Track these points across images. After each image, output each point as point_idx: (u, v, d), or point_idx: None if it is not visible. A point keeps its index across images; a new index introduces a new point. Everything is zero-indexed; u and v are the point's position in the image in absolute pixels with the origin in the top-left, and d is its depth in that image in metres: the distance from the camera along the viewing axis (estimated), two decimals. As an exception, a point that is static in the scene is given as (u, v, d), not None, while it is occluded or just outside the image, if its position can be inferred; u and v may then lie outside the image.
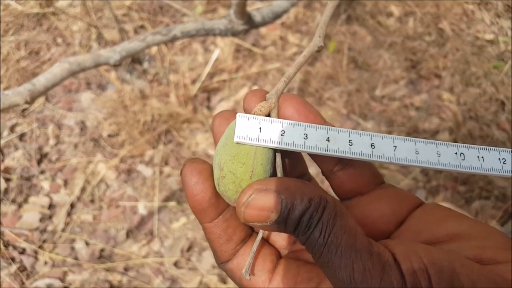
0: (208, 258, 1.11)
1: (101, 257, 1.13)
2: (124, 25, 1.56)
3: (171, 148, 1.29)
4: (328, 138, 0.26)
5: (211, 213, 0.26)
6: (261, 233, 0.26)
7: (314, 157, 0.28)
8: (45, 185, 1.26)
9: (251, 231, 0.27)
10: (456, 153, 0.26)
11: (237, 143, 0.25)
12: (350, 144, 0.26)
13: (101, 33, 1.46)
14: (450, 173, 1.22)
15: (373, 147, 0.26)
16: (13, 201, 1.25)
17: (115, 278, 1.09)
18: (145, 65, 1.50)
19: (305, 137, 0.25)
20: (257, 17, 0.77)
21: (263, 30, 1.50)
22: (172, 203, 1.20)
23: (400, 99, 1.39)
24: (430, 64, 1.45)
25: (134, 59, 1.51)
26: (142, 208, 1.19)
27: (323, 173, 0.29)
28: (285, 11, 0.83)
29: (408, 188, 1.20)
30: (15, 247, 1.17)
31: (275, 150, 0.26)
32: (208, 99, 1.40)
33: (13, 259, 1.15)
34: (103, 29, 1.55)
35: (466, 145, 0.26)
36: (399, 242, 0.22)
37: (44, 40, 1.60)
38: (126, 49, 0.72)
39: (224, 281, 1.08)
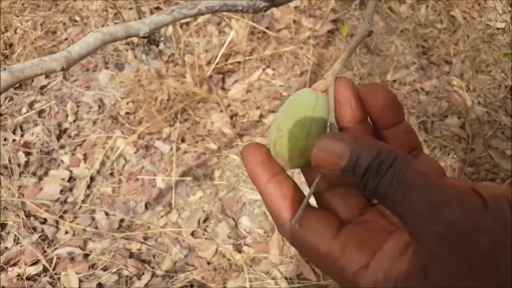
0: (223, 229, 1.16)
1: (121, 227, 1.18)
2: (140, 6, 1.59)
3: (187, 126, 1.33)
4: None
5: (265, 172, 0.28)
6: (313, 187, 0.27)
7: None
8: (65, 159, 1.30)
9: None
10: None
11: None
12: None
13: (119, 12, 1.49)
14: (458, 155, 1.26)
15: None
16: (34, 174, 1.29)
17: (134, 246, 1.14)
18: (161, 46, 1.53)
19: None
20: (280, -5, 0.80)
21: (277, 13, 1.53)
22: (188, 178, 1.24)
23: (410, 84, 1.42)
24: (441, 51, 1.48)
25: (150, 40, 1.54)
26: (160, 182, 1.23)
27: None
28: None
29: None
30: (36, 217, 1.22)
31: (327, 120, 0.29)
32: (223, 80, 1.44)
33: (34, 229, 1.19)
34: (120, 10, 1.58)
35: None
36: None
37: (61, 20, 1.64)
38: (154, 21, 0.76)
39: (239, 251, 1.12)
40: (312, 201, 0.28)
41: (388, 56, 1.48)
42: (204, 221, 1.18)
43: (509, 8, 1.57)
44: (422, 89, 1.40)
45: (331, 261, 0.25)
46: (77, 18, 1.61)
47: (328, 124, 0.29)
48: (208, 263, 1.11)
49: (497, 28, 1.53)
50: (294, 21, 1.55)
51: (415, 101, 1.38)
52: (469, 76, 1.42)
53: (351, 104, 0.29)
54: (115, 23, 1.60)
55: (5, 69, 0.29)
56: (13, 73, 0.30)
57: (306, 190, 0.28)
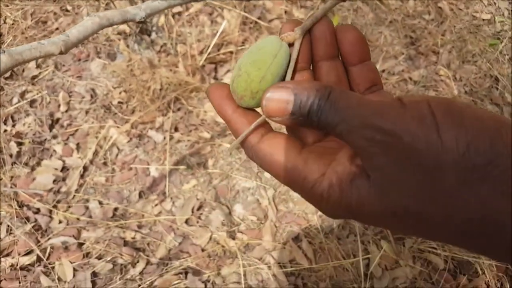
0: (217, 217, 1.17)
1: (115, 216, 1.19)
2: (131, -3, 1.59)
3: (180, 115, 1.34)
4: None
5: (231, 104, 0.31)
6: (254, 125, 0.30)
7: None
8: (58, 149, 1.31)
9: (270, 125, 0.32)
10: None
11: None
12: None
13: (111, 1, 1.48)
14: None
15: None
16: (26, 164, 1.29)
17: (128, 235, 1.15)
18: (153, 36, 1.54)
19: None
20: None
21: (269, 4, 1.54)
22: (182, 167, 1.25)
23: (399, 74, 1.45)
24: (429, 41, 1.51)
25: (142, 30, 1.54)
26: (153, 171, 1.24)
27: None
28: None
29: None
30: (29, 207, 1.22)
31: (287, 69, 0.32)
32: (215, 69, 1.45)
33: (27, 219, 1.20)
34: None
35: None
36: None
37: (52, 10, 1.62)
38: (150, 7, 0.77)
39: (232, 238, 1.14)
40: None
41: (377, 46, 1.50)
42: (198, 209, 1.19)
43: (494, 0, 1.60)
44: (410, 78, 1.43)
45: (296, 173, 0.28)
46: (69, 8, 1.60)
47: (286, 74, 0.31)
48: (203, 250, 1.13)
49: (483, 19, 1.56)
50: (285, 12, 1.56)
51: (404, 90, 1.41)
52: (456, 66, 1.46)
53: (326, 39, 0.32)
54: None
55: (4, 52, 0.29)
56: (12, 56, 0.31)
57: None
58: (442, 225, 0.23)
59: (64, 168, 1.28)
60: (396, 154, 0.23)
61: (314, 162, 0.28)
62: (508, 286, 1.09)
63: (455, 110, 0.23)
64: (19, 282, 1.09)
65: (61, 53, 0.55)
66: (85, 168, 1.27)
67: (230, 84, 0.31)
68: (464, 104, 0.24)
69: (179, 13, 1.55)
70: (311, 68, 0.33)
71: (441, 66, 1.46)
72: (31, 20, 1.61)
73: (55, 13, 1.60)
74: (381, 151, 0.24)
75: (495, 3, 1.60)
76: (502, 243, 0.22)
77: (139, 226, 1.17)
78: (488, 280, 1.10)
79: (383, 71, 1.46)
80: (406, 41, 1.53)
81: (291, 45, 0.32)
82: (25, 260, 1.13)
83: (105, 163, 1.28)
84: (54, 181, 1.25)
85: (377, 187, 0.24)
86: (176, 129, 1.32)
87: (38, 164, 1.29)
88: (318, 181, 0.27)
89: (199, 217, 1.18)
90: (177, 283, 1.09)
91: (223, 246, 1.13)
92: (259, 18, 1.53)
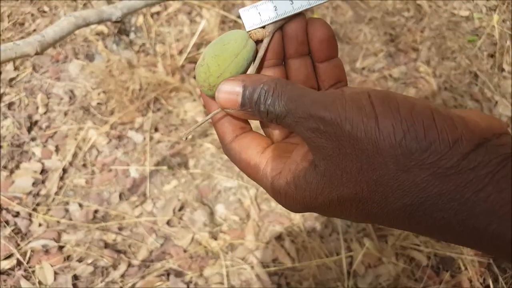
0: (199, 217, 1.17)
1: (95, 218, 1.17)
2: (110, -4, 1.57)
3: (160, 115, 1.33)
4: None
5: (216, 104, 0.32)
6: (208, 117, 0.32)
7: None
8: (37, 151, 1.29)
9: (250, 126, 0.33)
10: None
11: (249, 32, 0.32)
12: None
13: (89, 2, 1.47)
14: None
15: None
16: (5, 167, 1.27)
17: (109, 237, 1.14)
18: (132, 36, 1.52)
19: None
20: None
21: (247, 3, 1.54)
22: (163, 168, 1.24)
23: (379, 71, 1.46)
24: (408, 38, 1.52)
25: (121, 30, 1.53)
26: (134, 172, 1.23)
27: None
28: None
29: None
30: (8, 211, 1.20)
31: (248, 67, 0.32)
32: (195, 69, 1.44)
33: (7, 222, 1.18)
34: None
35: None
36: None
37: (29, 11, 1.60)
38: (127, 6, 0.76)
39: (215, 238, 1.14)
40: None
41: (357, 44, 1.51)
42: (180, 209, 1.19)
43: (473, -4, 1.62)
44: (390, 75, 1.44)
45: (258, 171, 0.30)
46: (46, 9, 1.58)
47: (247, 71, 0.32)
48: (185, 251, 1.12)
49: (461, 16, 1.58)
50: (265, 10, 1.55)
51: (384, 87, 1.42)
52: (436, 63, 1.47)
53: (297, 38, 0.32)
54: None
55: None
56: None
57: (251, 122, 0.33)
58: (385, 210, 0.24)
59: (43, 171, 1.26)
60: (340, 143, 0.24)
61: (273, 160, 0.30)
62: (490, 281, 1.10)
63: (392, 100, 0.24)
64: (-1, 287, 1.07)
65: (37, 53, 0.53)
66: (64, 170, 1.25)
67: (195, 67, 0.32)
68: (401, 95, 0.25)
69: (158, 13, 1.54)
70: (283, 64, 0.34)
71: (420, 63, 1.47)
72: (8, 22, 1.58)
73: (32, 15, 1.57)
74: (326, 141, 0.25)
75: (473, 0, 1.62)
76: (443, 225, 0.23)
77: (120, 228, 1.16)
78: (470, 276, 1.11)
79: (363, 68, 1.47)
80: (386, 38, 1.54)
81: (260, 41, 0.32)
82: (5, 264, 1.11)
83: (84, 165, 1.26)
84: (33, 184, 1.24)
85: (326, 177, 0.26)
86: (156, 130, 1.31)
87: (17, 167, 1.27)
88: (275, 179, 0.29)
89: (180, 218, 1.17)
90: (159, 285, 1.08)
91: (205, 247, 1.13)
92: (238, 17, 1.53)
